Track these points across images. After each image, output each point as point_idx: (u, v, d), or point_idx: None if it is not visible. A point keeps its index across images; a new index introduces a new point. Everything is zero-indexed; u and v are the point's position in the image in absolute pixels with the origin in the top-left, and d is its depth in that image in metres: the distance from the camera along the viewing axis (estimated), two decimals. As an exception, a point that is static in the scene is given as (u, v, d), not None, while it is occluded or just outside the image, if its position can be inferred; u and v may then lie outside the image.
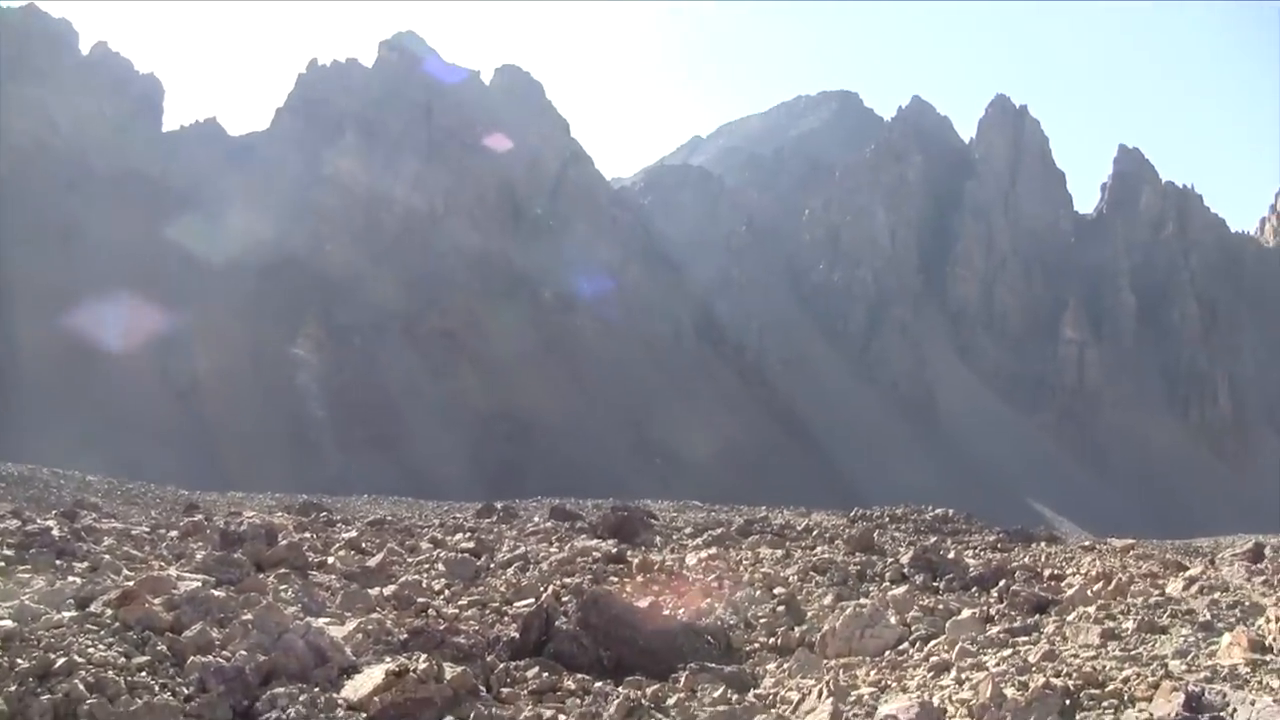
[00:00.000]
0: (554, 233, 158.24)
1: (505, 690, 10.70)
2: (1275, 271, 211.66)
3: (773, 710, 10.17)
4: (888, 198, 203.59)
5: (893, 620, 15.18)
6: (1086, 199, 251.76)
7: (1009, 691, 9.84)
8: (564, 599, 14.98)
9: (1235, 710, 9.06)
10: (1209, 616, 13.83)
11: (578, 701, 10.51)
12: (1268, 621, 12.47)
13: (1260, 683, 10.19)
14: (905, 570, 20.94)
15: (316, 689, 9.10)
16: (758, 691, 11.64)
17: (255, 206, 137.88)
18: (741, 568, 21.57)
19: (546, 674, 11.36)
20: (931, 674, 11.83)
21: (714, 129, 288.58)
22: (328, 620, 12.43)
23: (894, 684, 11.66)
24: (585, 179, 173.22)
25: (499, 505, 39.01)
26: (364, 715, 8.85)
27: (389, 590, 15.95)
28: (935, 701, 9.87)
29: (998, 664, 11.68)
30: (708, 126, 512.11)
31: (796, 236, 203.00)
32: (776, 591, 18.48)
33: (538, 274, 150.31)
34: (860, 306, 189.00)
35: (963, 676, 11.32)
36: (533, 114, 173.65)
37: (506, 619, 14.76)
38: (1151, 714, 8.99)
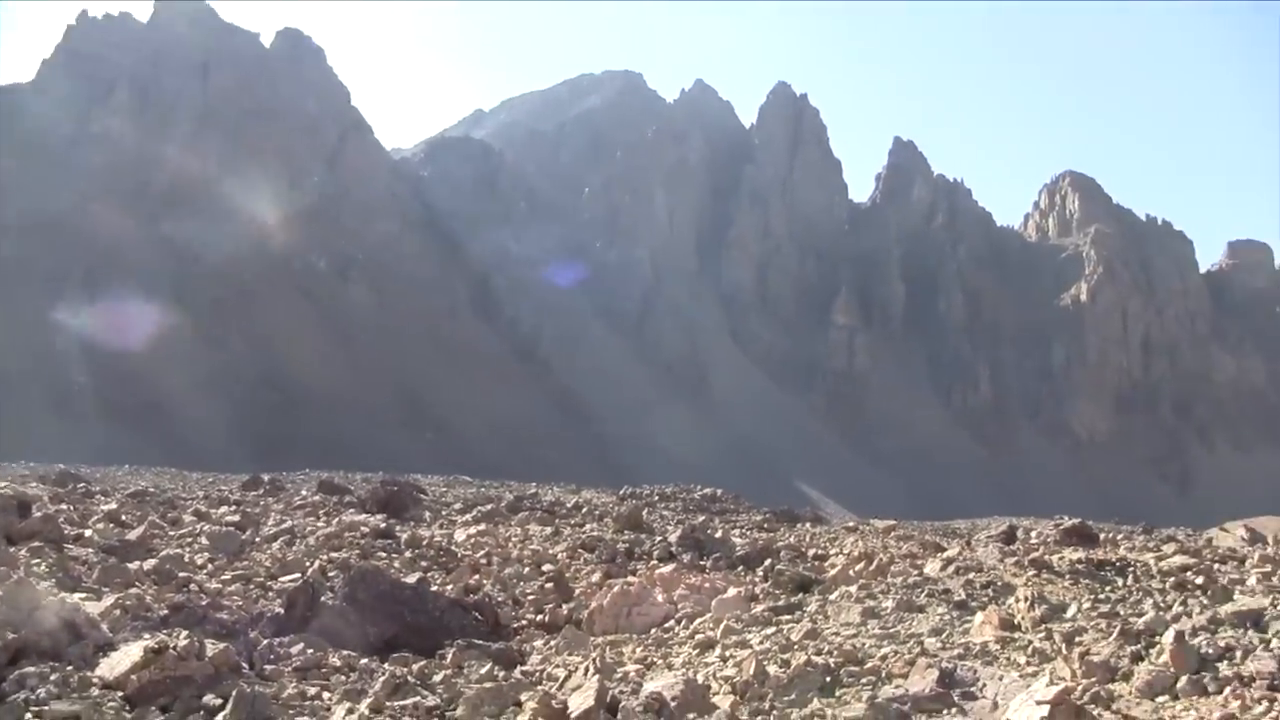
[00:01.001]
0: (331, 201, 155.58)
1: (269, 667, 10.49)
2: (1037, 265, 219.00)
3: (539, 687, 10.16)
4: (667, 179, 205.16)
5: (660, 598, 15.33)
6: (861, 188, 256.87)
7: (772, 669, 10.00)
8: (331, 574, 14.80)
9: (985, 685, 9.38)
10: (964, 596, 14.28)
11: (343, 678, 10.37)
12: (1017, 601, 12.95)
13: (1009, 659, 10.58)
14: (673, 548, 21.16)
15: (70, 667, 8.80)
16: (525, 668, 11.63)
17: (16, 164, 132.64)
18: (511, 544, 21.56)
19: (311, 650, 11.17)
20: (697, 651, 11.97)
21: (497, 103, 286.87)
22: (84, 596, 12.04)
23: (660, 661, 11.77)
24: (364, 148, 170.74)
25: (266, 478, 38.27)
26: (120, 694, 8.58)
27: (149, 564, 15.52)
28: (700, 679, 9.98)
29: (761, 642, 11.87)
30: (491, 100, 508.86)
31: (575, 214, 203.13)
32: (545, 569, 18.52)
33: (314, 243, 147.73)
34: (636, 286, 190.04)
35: (727, 654, 11.48)
36: (312, 81, 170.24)
37: (271, 594, 14.50)
38: (907, 690, 9.22)
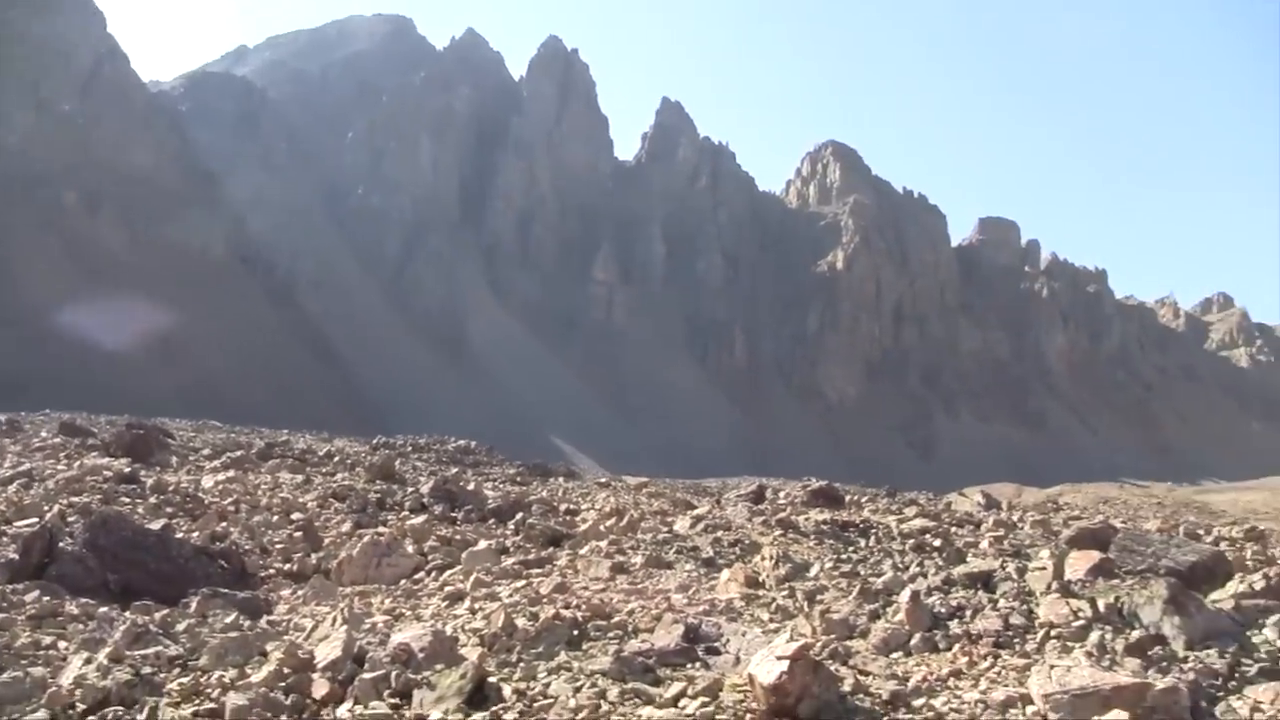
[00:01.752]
0: (82, 131, 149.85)
1: (1, 615, 10.17)
2: (797, 231, 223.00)
3: (285, 637, 10.07)
4: (433, 127, 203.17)
5: (410, 549, 15.31)
6: (627, 146, 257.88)
7: (520, 622, 10.07)
8: (70, 519, 14.38)
9: (728, 641, 9.61)
10: (711, 553, 14.61)
11: (81, 627, 10.12)
12: (763, 559, 13.28)
13: (753, 616, 10.88)
14: (425, 500, 21.10)
15: None
16: (271, 618, 11.50)
17: None
18: (260, 492, 21.22)
19: (48, 598, 10.87)
20: (446, 603, 11.99)
21: (262, 40, 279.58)
22: None
23: (409, 613, 11.75)
24: (120, 78, 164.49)
25: (3, 418, 36.86)
26: None
27: None
28: (448, 630, 10.00)
29: (511, 595, 11.95)
30: (255, 37, 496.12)
31: (338, 158, 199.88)
32: (294, 517, 18.31)
33: (62, 174, 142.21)
34: (397, 233, 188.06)
35: (476, 606, 11.52)
36: (67, 3, 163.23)
37: (6, 540, 14.02)
38: (653, 644, 9.37)
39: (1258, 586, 11.26)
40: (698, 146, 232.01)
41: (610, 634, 10.02)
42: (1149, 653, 9.16)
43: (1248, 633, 10.06)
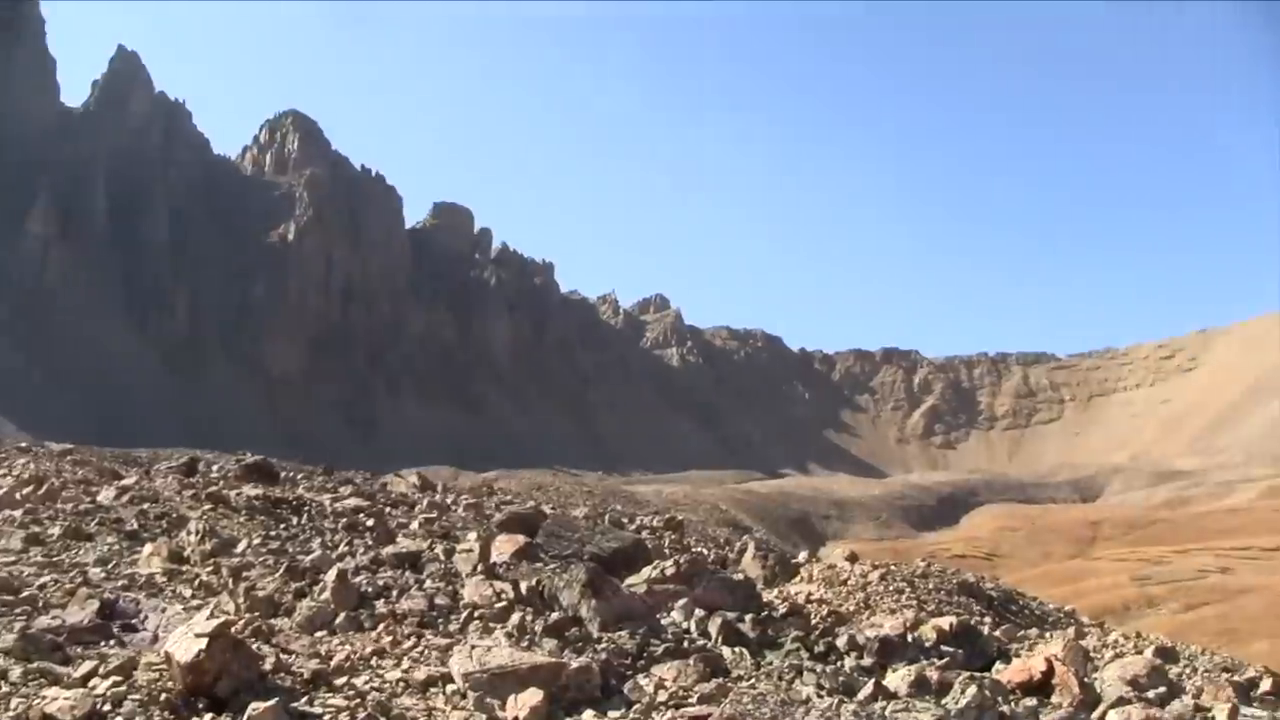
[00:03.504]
0: None
1: None
2: (249, 199, 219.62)
3: None
4: None
5: None
6: (76, 92, 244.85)
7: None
8: None
9: (147, 617, 9.39)
10: (136, 526, 14.22)
11: None
12: (189, 534, 13.04)
13: (175, 592, 10.69)
14: None
15: None
16: None
17: None
18: None
19: None
20: None
21: None
22: None
23: None
24: None
25: None
26: None
27: None
28: None
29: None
30: None
31: None
32: None
33: None
34: None
35: None
36: None
37: None
38: (64, 620, 9.07)
39: (669, 572, 12.10)
40: (152, 101, 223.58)
41: (18, 610, 9.59)
42: (566, 633, 9.70)
43: (658, 615, 10.81)
